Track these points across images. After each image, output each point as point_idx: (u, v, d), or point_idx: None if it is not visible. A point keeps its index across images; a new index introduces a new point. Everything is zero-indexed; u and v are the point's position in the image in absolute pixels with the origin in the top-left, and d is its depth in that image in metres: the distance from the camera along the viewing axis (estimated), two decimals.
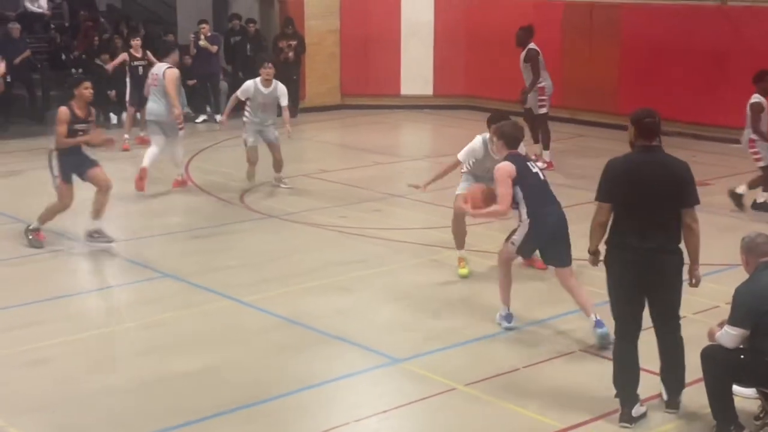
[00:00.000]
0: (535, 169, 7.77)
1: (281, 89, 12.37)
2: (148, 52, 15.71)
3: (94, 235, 10.08)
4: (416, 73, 19.52)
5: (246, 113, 12.48)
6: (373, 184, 12.27)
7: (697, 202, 6.19)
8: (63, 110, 9.80)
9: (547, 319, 8.11)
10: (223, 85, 18.83)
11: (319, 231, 10.81)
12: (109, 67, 16.73)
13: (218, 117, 18.18)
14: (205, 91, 18.51)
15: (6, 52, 17.72)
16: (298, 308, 8.40)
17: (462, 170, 9.08)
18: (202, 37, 18.14)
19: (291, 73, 18.32)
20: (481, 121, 13.74)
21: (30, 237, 10.09)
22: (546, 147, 13.97)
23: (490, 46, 18.47)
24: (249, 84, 12.36)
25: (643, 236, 6.07)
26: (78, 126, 9.84)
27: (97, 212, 10.10)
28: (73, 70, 18.78)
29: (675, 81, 16.17)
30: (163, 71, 12.46)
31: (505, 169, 7.57)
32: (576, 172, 13.25)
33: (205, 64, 18.34)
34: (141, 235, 10.63)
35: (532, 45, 13.84)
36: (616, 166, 6.24)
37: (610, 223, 6.23)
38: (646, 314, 6.31)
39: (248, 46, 18.96)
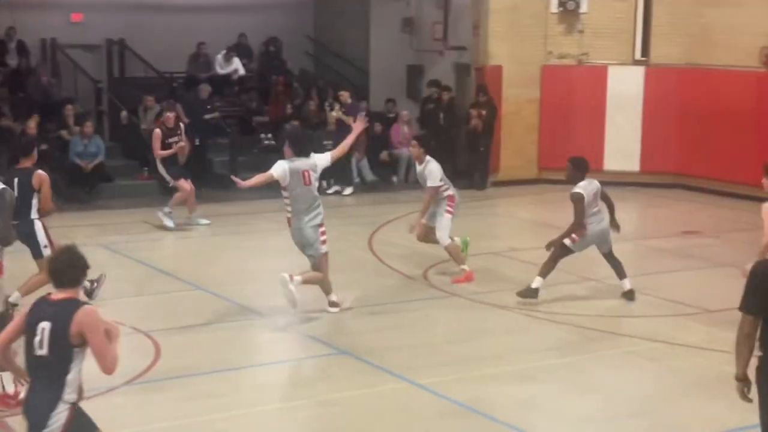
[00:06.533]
0: None
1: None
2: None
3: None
4: (622, 147, 19.30)
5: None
6: (568, 266, 12.06)
7: None
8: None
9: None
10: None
11: (506, 313, 10.78)
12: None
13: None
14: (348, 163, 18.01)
15: (194, 113, 18.47)
16: (477, 395, 8.37)
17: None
18: (337, 106, 18.06)
19: (478, 144, 18.55)
20: (694, 201, 13.19)
21: None
22: None
23: (705, 120, 18.09)
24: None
25: None
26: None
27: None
28: (262, 135, 19.56)
29: None
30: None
31: None
32: None
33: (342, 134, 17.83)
34: (318, 308, 10.88)
35: None
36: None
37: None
38: None
39: (441, 115, 19.30)
